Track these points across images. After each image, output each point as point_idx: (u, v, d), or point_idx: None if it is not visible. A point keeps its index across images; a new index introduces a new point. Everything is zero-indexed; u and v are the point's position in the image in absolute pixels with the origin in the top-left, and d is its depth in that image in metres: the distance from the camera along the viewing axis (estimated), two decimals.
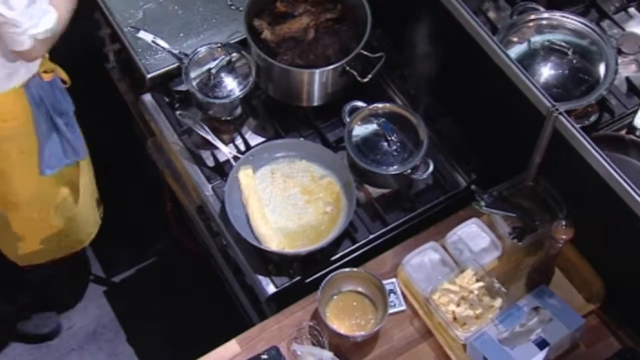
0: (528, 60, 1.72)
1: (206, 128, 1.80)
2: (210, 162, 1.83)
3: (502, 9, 1.92)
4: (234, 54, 1.83)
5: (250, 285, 1.77)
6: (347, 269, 1.61)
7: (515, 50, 1.74)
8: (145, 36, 1.84)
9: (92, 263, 2.51)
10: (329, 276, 1.59)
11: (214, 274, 2.14)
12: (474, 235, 1.68)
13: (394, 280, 1.65)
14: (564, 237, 1.49)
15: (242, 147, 1.85)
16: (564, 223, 1.50)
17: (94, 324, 2.41)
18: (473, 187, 1.61)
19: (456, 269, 1.63)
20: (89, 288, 2.47)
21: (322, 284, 1.58)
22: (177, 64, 1.85)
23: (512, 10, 1.85)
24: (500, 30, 1.79)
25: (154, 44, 1.85)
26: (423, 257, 1.66)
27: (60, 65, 2.76)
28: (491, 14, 1.91)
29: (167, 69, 1.91)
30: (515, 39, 1.76)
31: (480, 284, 1.61)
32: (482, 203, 1.59)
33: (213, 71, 1.79)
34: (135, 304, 2.45)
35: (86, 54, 2.51)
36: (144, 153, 2.15)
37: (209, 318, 2.33)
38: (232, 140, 1.86)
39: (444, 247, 1.67)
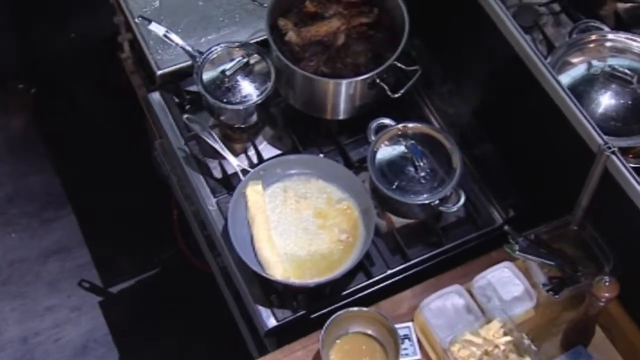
0: (585, 86, 1.65)
1: (215, 136, 1.76)
2: (217, 173, 1.80)
3: (562, 24, 1.84)
4: (254, 55, 1.80)
5: (249, 315, 1.72)
6: (356, 308, 1.56)
7: (572, 74, 1.67)
8: (157, 29, 1.81)
9: (89, 269, 2.51)
10: (335, 315, 1.54)
11: (220, 294, 2.11)
12: (505, 282, 1.62)
13: (410, 324, 1.60)
14: (606, 295, 1.41)
15: (255, 159, 1.81)
16: (607, 279, 1.42)
17: (84, 338, 2.40)
18: (506, 227, 1.55)
19: (482, 319, 1.57)
20: (83, 297, 2.47)
21: (327, 323, 1.53)
22: (191, 61, 1.82)
23: (572, 27, 1.78)
24: (557, 48, 1.72)
25: (166, 38, 1.81)
26: (445, 301, 1.60)
27: (74, 50, 2.82)
28: (549, 29, 1.84)
29: (179, 66, 1.88)
30: (573, 61, 1.69)
31: (508, 338, 1.54)
32: (516, 247, 1.53)
33: (228, 73, 1.75)
34: (132, 319, 2.43)
35: (101, 41, 2.54)
36: (152, 154, 2.14)
37: (210, 341, 2.31)
38: (245, 151, 1.83)
39: (470, 291, 1.61)
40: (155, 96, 1.90)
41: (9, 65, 2.80)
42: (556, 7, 1.84)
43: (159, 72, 1.88)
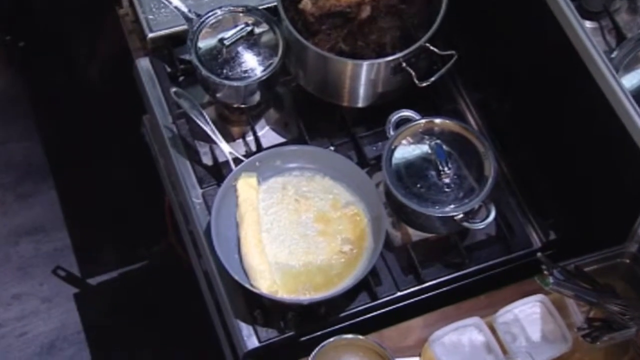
0: None
1: (205, 115, 1.72)
2: (207, 160, 1.76)
3: (639, 11, 1.76)
4: (262, 24, 1.75)
5: (229, 331, 1.69)
6: (350, 336, 1.52)
7: None
8: None
9: (66, 255, 2.51)
10: (327, 342, 1.50)
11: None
12: (536, 319, 1.57)
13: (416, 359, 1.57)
14: None
15: (253, 147, 1.77)
16: None
17: (53, 334, 2.40)
18: (539, 255, 1.48)
19: None
20: (57, 287, 2.47)
21: (315, 350, 1.49)
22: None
23: None
24: (627, 41, 1.64)
25: None
26: (461, 336, 1.56)
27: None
28: (622, 17, 1.75)
29: (175, 29, 1.84)
30: None
31: None
32: (549, 280, 1.45)
33: (227, 42, 1.71)
34: (109, 318, 2.43)
35: None
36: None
37: (190, 354, 2.29)
38: (242, 136, 1.79)
39: (492, 327, 1.56)
40: (144, 63, 1.87)
41: None
42: None
43: (150, 35, 1.85)
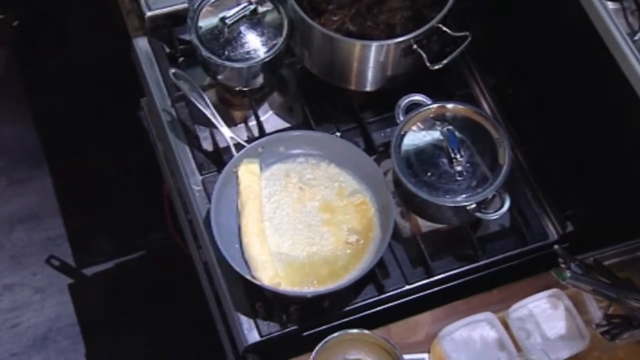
0: None
1: (206, 98, 1.71)
2: (207, 145, 1.75)
3: None
4: (266, 3, 1.74)
5: (229, 324, 1.68)
6: (356, 330, 1.51)
7: None
8: None
9: (60, 244, 2.53)
10: (331, 337, 1.49)
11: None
12: (551, 314, 1.57)
13: (425, 356, 1.56)
14: None
15: (256, 132, 1.77)
16: None
17: (46, 326, 2.41)
18: (556, 247, 1.47)
19: (516, 358, 1.51)
20: (50, 277, 2.48)
21: (319, 345, 1.48)
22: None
23: None
24: None
25: None
26: (472, 332, 1.56)
27: None
28: None
29: (175, 7, 1.83)
30: None
31: None
32: (567, 273, 1.44)
33: (228, 22, 1.70)
34: (105, 309, 2.44)
35: None
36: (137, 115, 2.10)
37: (188, 348, 2.30)
38: (245, 120, 1.78)
39: (504, 322, 1.56)
40: (142, 43, 1.86)
41: None
42: None
43: (149, 14, 1.84)
